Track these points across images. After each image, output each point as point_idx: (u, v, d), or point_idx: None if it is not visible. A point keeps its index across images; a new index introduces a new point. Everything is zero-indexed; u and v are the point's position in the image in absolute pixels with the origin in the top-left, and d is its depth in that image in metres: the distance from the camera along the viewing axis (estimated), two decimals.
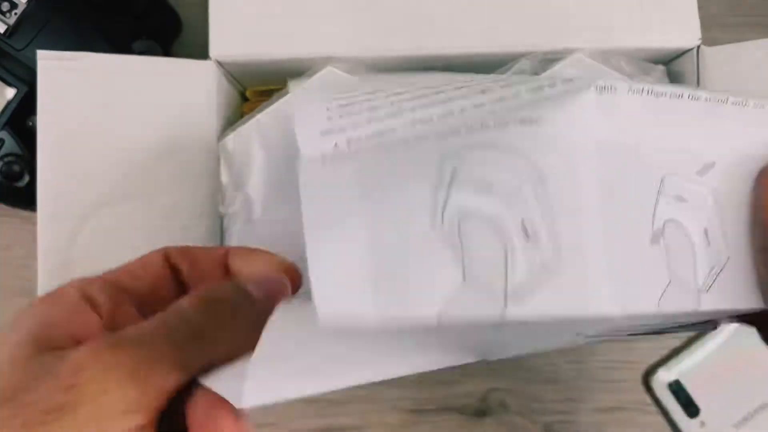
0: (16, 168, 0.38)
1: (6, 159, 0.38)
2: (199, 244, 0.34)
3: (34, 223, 0.31)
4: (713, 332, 0.43)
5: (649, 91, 0.19)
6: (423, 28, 0.34)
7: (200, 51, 0.34)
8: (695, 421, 0.43)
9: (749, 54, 0.34)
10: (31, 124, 0.38)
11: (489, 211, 0.18)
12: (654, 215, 0.19)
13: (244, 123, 0.34)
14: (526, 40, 0.34)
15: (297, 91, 0.21)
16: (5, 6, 0.35)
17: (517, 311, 0.17)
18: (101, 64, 0.32)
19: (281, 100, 0.34)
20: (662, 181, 0.20)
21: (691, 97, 0.20)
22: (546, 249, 0.18)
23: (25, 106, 0.38)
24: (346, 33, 0.34)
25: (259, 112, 0.34)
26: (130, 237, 0.32)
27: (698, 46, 0.34)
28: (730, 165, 0.20)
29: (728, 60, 0.34)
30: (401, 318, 0.17)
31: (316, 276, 0.17)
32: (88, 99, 0.32)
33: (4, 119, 0.38)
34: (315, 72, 0.34)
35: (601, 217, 0.19)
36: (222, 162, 0.35)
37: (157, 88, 0.33)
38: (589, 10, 0.34)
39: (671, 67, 0.36)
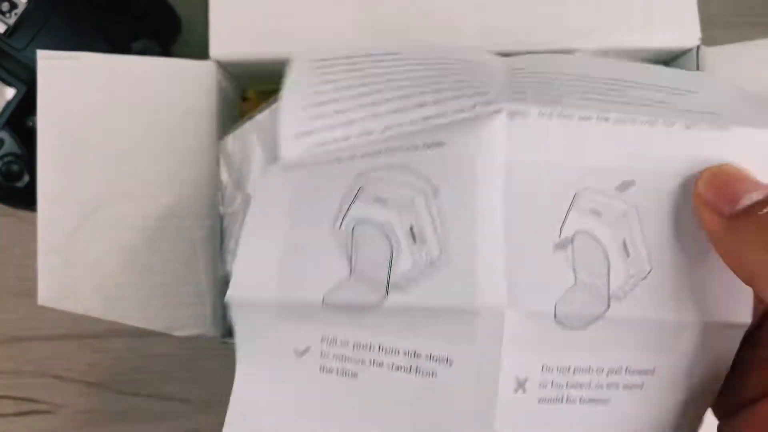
0: (15, 168, 0.38)
1: (5, 159, 0.38)
2: (198, 245, 0.34)
3: (34, 223, 0.31)
4: None
5: (560, 114, 0.21)
6: (423, 28, 0.34)
7: (200, 51, 0.34)
8: None
9: (749, 54, 0.34)
10: (30, 124, 0.38)
11: (380, 219, 0.21)
12: (563, 226, 0.21)
13: (244, 123, 0.34)
14: (526, 40, 0.34)
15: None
16: (5, 6, 0.35)
17: (397, 298, 0.20)
18: (101, 64, 0.32)
19: (281, 100, 0.34)
20: (575, 195, 0.21)
21: (599, 118, 0.21)
22: (433, 249, 0.21)
23: (25, 106, 0.38)
24: (347, 33, 0.34)
25: (259, 112, 0.34)
26: (129, 237, 0.32)
27: (698, 46, 0.34)
28: (652, 182, 0.21)
29: (728, 60, 0.34)
30: (292, 301, 0.21)
31: (237, 270, 0.22)
32: (88, 99, 0.32)
33: (3, 119, 0.38)
34: None
35: (502, 226, 0.21)
36: (222, 162, 0.35)
37: (156, 88, 0.33)
38: (589, 10, 0.34)
39: (671, 66, 0.36)
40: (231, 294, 0.21)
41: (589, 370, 0.21)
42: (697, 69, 0.34)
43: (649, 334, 0.21)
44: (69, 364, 0.45)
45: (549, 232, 0.21)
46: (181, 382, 0.45)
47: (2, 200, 0.39)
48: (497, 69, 0.23)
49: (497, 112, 0.21)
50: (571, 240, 0.21)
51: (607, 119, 0.21)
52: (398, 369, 0.21)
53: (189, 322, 0.34)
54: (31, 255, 0.35)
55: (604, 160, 0.21)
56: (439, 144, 0.21)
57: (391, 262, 0.21)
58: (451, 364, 0.21)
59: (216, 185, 0.35)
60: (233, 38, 0.34)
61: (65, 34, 0.36)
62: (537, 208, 0.21)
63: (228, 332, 0.36)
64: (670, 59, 0.36)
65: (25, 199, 0.38)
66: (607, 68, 0.23)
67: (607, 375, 0.22)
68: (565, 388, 0.21)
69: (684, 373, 0.22)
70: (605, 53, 0.34)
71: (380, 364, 0.21)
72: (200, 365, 0.46)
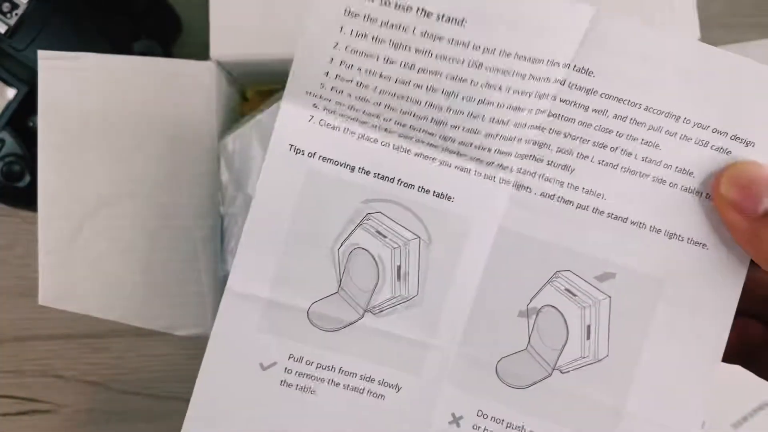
0: (16, 168, 0.38)
1: (7, 159, 0.38)
2: (199, 245, 0.35)
3: (35, 223, 0.31)
4: None
5: (560, 198, 0.23)
6: None
7: (201, 51, 0.35)
8: None
9: (749, 54, 0.34)
10: (31, 124, 0.38)
11: (376, 252, 0.24)
12: (534, 297, 0.24)
13: (244, 123, 0.34)
14: None
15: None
16: (6, 6, 0.35)
17: (371, 321, 0.24)
18: (102, 64, 0.32)
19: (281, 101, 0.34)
20: (556, 274, 0.24)
21: (595, 210, 0.23)
22: (412, 289, 0.24)
23: (26, 106, 0.38)
24: None
25: (259, 112, 0.34)
26: (130, 237, 0.32)
27: None
28: (632, 281, 0.23)
29: None
30: (282, 303, 0.24)
31: (237, 263, 0.23)
32: (89, 99, 0.32)
33: (4, 119, 0.38)
34: None
35: (476, 289, 0.24)
36: (222, 162, 0.35)
37: (157, 88, 0.33)
38: None
39: None
40: (229, 284, 0.23)
41: (521, 429, 0.24)
42: None
43: (587, 413, 0.24)
44: (70, 364, 0.46)
45: (518, 300, 0.24)
46: (181, 381, 0.46)
47: (3, 200, 0.39)
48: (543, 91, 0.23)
49: (506, 182, 0.23)
50: (537, 311, 0.24)
51: (602, 212, 0.23)
52: (353, 389, 0.24)
53: (190, 322, 0.34)
54: (32, 255, 0.35)
55: (592, 250, 0.24)
56: (448, 198, 0.24)
57: (374, 290, 0.24)
58: (398, 390, 0.24)
59: (216, 185, 0.35)
60: (233, 38, 0.34)
61: (66, 35, 0.36)
62: (513, 277, 0.24)
63: None
64: None
65: (26, 199, 0.38)
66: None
67: None
68: None
69: None
70: None
71: (337, 384, 0.24)
72: (201, 365, 0.46)
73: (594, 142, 0.23)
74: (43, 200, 0.31)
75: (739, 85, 0.22)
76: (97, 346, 0.46)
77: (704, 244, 0.23)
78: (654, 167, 0.23)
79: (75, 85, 0.32)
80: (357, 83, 0.23)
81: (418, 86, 0.22)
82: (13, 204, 0.40)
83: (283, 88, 0.36)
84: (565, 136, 0.23)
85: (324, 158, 0.23)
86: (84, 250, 0.31)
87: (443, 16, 0.21)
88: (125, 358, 0.46)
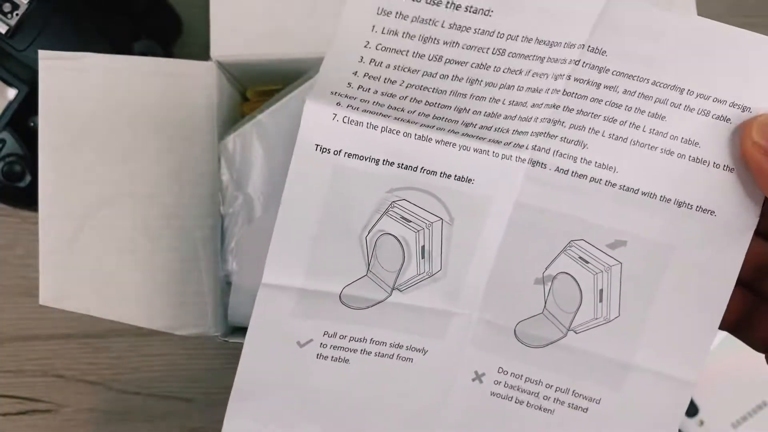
0: (17, 168, 0.38)
1: (7, 159, 0.38)
2: (199, 245, 0.35)
3: (35, 223, 0.31)
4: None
5: (574, 173, 0.24)
6: None
7: (201, 51, 0.35)
8: (694, 420, 0.43)
9: None
10: (32, 124, 0.39)
11: (401, 236, 0.25)
12: (549, 265, 0.25)
13: (244, 123, 0.34)
14: None
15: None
16: (7, 7, 0.35)
17: (398, 297, 0.26)
18: (102, 65, 0.32)
19: (281, 101, 0.34)
20: (569, 243, 0.25)
21: (607, 183, 0.24)
22: (436, 266, 0.26)
23: (27, 106, 0.38)
24: None
25: (259, 112, 0.34)
26: (130, 237, 0.33)
27: None
28: (642, 248, 0.25)
29: None
30: (315, 290, 0.25)
31: (271, 254, 0.25)
32: (89, 99, 0.32)
33: (5, 120, 0.38)
34: (315, 72, 0.34)
35: (494, 260, 0.26)
36: (222, 162, 0.35)
37: (157, 88, 0.33)
38: None
39: None
40: (264, 279, 0.25)
41: (539, 382, 0.26)
42: None
43: (598, 368, 0.26)
44: (70, 364, 0.46)
45: (534, 269, 0.26)
46: (182, 381, 0.46)
47: (4, 200, 0.39)
48: (556, 72, 0.24)
49: (522, 160, 0.25)
50: (553, 278, 0.25)
51: (614, 185, 0.24)
52: (383, 356, 0.26)
53: (190, 322, 0.34)
54: (32, 255, 0.35)
55: (604, 220, 0.25)
56: (469, 180, 0.25)
57: (400, 270, 0.26)
58: (425, 354, 0.26)
59: (216, 185, 0.35)
60: (234, 39, 0.34)
61: (66, 35, 0.36)
62: (529, 248, 0.25)
63: (229, 331, 0.36)
64: None
65: (27, 199, 0.38)
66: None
67: (555, 391, 0.26)
68: (516, 390, 0.26)
69: (629, 415, 0.26)
70: None
71: (369, 353, 0.26)
72: (201, 364, 0.46)
73: (605, 117, 0.24)
74: (43, 200, 0.31)
75: (737, 54, 0.23)
76: (97, 345, 0.46)
77: (712, 211, 0.24)
78: (662, 139, 0.24)
79: (75, 85, 0.32)
80: (385, 80, 0.23)
81: (444, 76, 0.23)
82: (13, 204, 0.40)
83: (283, 88, 0.36)
84: (578, 112, 0.24)
85: (349, 155, 0.24)
86: (84, 249, 0.32)
87: (471, 8, 0.22)
88: (125, 358, 0.46)
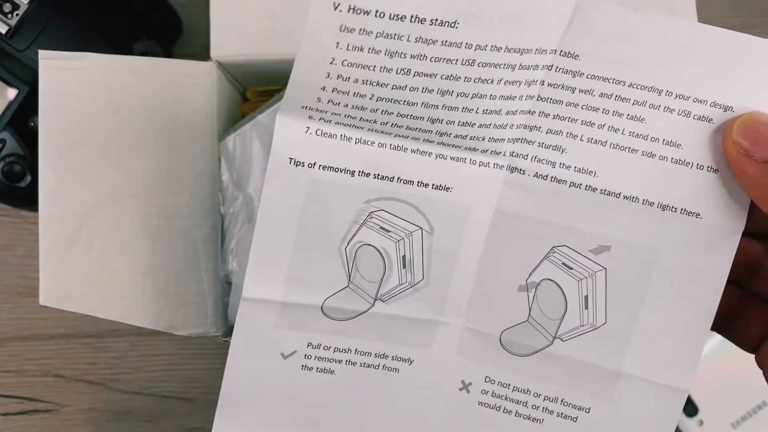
0: (17, 168, 0.38)
1: (8, 159, 0.38)
2: (199, 245, 0.35)
3: (36, 223, 0.31)
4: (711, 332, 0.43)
5: (553, 178, 0.24)
6: None
7: (201, 51, 0.35)
8: (693, 420, 0.43)
9: None
10: (32, 124, 0.39)
11: (381, 246, 0.25)
12: (532, 272, 0.25)
13: (244, 123, 0.34)
14: None
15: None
16: (7, 7, 0.35)
17: (381, 308, 0.25)
18: (102, 65, 0.32)
19: (281, 101, 0.34)
20: (552, 249, 0.25)
21: (588, 187, 0.24)
22: (418, 275, 0.25)
23: (27, 106, 0.38)
24: None
25: (259, 112, 0.34)
26: (130, 237, 0.33)
27: None
28: (627, 252, 0.24)
29: None
30: (296, 303, 0.25)
31: (250, 269, 0.25)
32: (89, 99, 0.32)
33: (5, 120, 0.38)
34: None
35: (477, 267, 0.25)
36: (222, 162, 0.35)
37: (157, 88, 0.33)
38: None
39: None
40: (244, 294, 0.25)
41: (527, 391, 0.26)
42: None
43: (586, 376, 0.25)
44: (71, 363, 0.46)
45: (517, 276, 0.25)
46: (182, 380, 0.46)
47: (4, 200, 0.39)
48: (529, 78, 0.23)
49: (500, 167, 0.24)
50: (537, 285, 0.25)
51: (594, 189, 0.24)
52: (369, 366, 0.26)
53: (190, 322, 0.34)
54: (33, 255, 0.35)
55: (586, 225, 0.24)
56: (447, 189, 0.24)
57: (382, 279, 0.25)
58: (410, 363, 0.26)
59: (216, 185, 0.35)
60: (233, 39, 0.34)
61: (67, 35, 0.36)
62: (511, 255, 0.25)
63: (229, 331, 0.36)
64: None
65: (27, 199, 0.38)
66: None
67: (544, 400, 0.26)
68: (504, 399, 0.26)
69: (620, 424, 0.25)
70: None
71: (354, 363, 0.26)
72: (201, 364, 0.46)
73: (582, 121, 0.23)
74: (43, 200, 0.31)
75: (715, 54, 0.22)
76: (97, 345, 0.46)
77: (698, 214, 0.24)
78: (642, 141, 0.23)
79: (76, 86, 0.32)
80: (354, 94, 0.23)
81: (413, 89, 0.23)
82: (13, 204, 0.40)
83: (283, 88, 0.36)
84: (555, 117, 0.24)
85: (324, 167, 0.24)
86: (84, 250, 0.32)
87: (436, 21, 0.22)
88: (125, 358, 0.46)
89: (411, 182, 0.24)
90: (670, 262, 0.24)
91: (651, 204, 0.24)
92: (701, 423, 0.43)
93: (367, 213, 0.25)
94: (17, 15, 0.35)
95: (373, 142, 0.24)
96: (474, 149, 0.24)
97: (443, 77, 0.23)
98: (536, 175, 0.24)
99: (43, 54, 0.31)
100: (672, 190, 0.24)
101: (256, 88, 0.39)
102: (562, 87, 0.23)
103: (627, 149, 0.24)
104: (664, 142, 0.23)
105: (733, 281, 0.25)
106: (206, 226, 0.35)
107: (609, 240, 0.24)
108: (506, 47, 0.22)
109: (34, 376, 0.46)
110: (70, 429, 0.46)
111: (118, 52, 0.35)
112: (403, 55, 0.22)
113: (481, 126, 0.24)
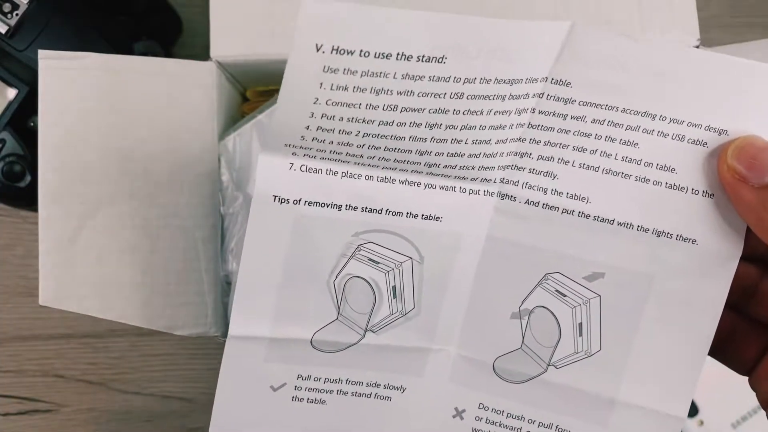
0: (17, 168, 0.38)
1: (7, 159, 0.38)
2: (199, 245, 0.35)
3: (35, 223, 0.31)
4: None
5: (545, 204, 0.24)
6: None
7: (201, 51, 0.35)
8: (693, 420, 0.43)
9: (749, 54, 0.34)
10: (32, 124, 0.39)
11: (370, 277, 0.25)
12: (525, 299, 0.24)
13: (244, 123, 0.34)
14: None
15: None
16: (6, 7, 0.35)
17: (372, 339, 0.25)
18: (102, 64, 0.32)
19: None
20: (545, 276, 0.24)
21: (581, 214, 0.23)
22: (408, 305, 0.25)
23: (27, 106, 0.38)
24: None
25: (259, 112, 0.34)
26: (130, 237, 0.33)
27: (697, 47, 0.34)
28: (621, 279, 0.24)
29: None
30: (285, 338, 0.25)
31: (236, 307, 0.24)
32: (89, 99, 0.32)
33: (5, 120, 0.38)
34: None
35: (469, 295, 0.25)
36: (222, 162, 0.35)
37: (157, 88, 0.33)
38: (588, 10, 0.34)
39: None
40: (231, 332, 0.25)
41: (521, 418, 0.25)
42: None
43: (582, 403, 0.25)
44: (70, 363, 0.46)
45: (510, 303, 0.25)
46: (182, 381, 0.46)
47: (4, 200, 0.39)
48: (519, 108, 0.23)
49: (491, 194, 0.24)
50: (530, 312, 0.25)
51: (587, 216, 0.24)
52: (360, 395, 0.26)
53: (190, 322, 0.34)
54: (32, 255, 0.35)
55: (580, 252, 0.24)
56: (437, 218, 0.24)
57: (372, 311, 0.25)
58: (403, 391, 0.26)
59: (216, 185, 0.35)
60: (233, 39, 0.34)
61: (66, 35, 0.36)
62: (504, 282, 0.25)
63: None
64: None
65: (27, 199, 0.38)
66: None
67: (538, 426, 0.25)
68: (498, 426, 0.25)
69: None
70: None
71: (345, 393, 0.26)
72: (201, 364, 0.46)
73: (574, 147, 0.23)
74: (43, 200, 0.31)
75: (708, 77, 0.22)
76: (97, 345, 0.46)
77: (694, 240, 0.23)
78: (635, 167, 0.23)
79: (75, 86, 0.32)
80: (339, 131, 0.23)
81: (401, 124, 0.23)
82: (13, 204, 0.40)
83: None
84: (546, 144, 0.23)
85: (310, 203, 0.24)
86: (84, 250, 0.32)
87: (423, 57, 0.21)
88: (125, 358, 0.46)
89: (400, 213, 0.24)
90: (665, 289, 0.24)
91: (646, 230, 0.23)
92: (701, 423, 0.43)
93: (355, 246, 0.24)
94: (17, 15, 0.35)
95: (359, 175, 0.23)
96: (464, 178, 0.24)
97: (431, 111, 0.22)
98: (528, 201, 0.24)
99: (42, 54, 0.31)
100: (667, 216, 0.23)
101: (256, 88, 0.39)
102: (554, 114, 0.23)
103: (620, 174, 0.23)
104: (658, 166, 0.23)
105: (728, 304, 0.24)
106: (206, 226, 0.35)
107: (603, 267, 0.24)
108: (495, 79, 0.22)
109: (33, 376, 0.46)
110: (69, 429, 0.46)
111: (118, 52, 0.35)
112: (389, 92, 0.22)
113: (471, 156, 0.23)
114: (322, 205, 0.24)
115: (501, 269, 0.25)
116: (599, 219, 0.24)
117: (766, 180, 0.21)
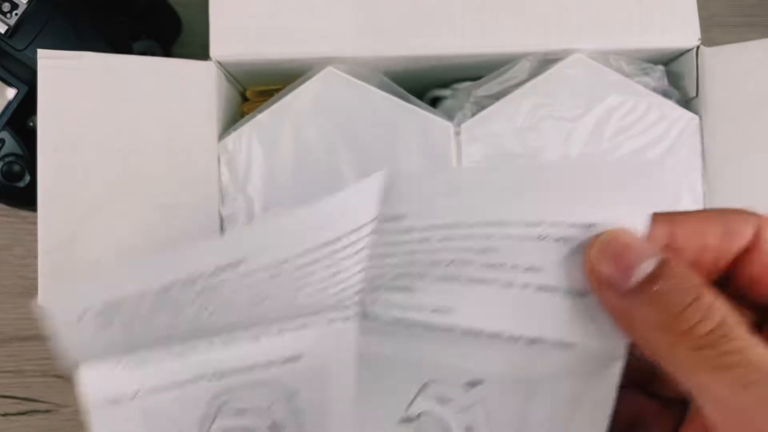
0: (16, 168, 0.38)
1: (6, 159, 0.38)
2: None
3: (35, 223, 0.31)
4: None
5: (407, 321, 0.22)
6: (423, 28, 0.34)
7: (201, 51, 0.35)
8: None
9: (749, 54, 0.34)
10: (31, 124, 0.38)
11: (241, 426, 0.23)
12: (409, 407, 0.23)
13: (244, 123, 0.34)
14: (526, 40, 0.34)
15: None
16: (6, 6, 0.35)
17: None
18: (101, 64, 0.32)
19: (281, 101, 0.34)
20: (425, 384, 0.23)
21: (446, 328, 0.22)
22: None
23: (26, 106, 0.38)
24: (347, 33, 0.34)
25: (259, 112, 0.34)
26: (130, 237, 0.32)
27: (698, 47, 0.34)
28: (502, 385, 0.22)
29: (728, 60, 0.34)
30: None
31: None
32: (89, 99, 0.32)
33: (4, 119, 0.38)
34: (315, 72, 0.34)
35: (354, 409, 0.24)
36: (222, 162, 0.35)
37: (157, 88, 0.33)
38: (589, 10, 0.34)
39: (671, 67, 0.36)
40: None
41: None
42: (697, 69, 0.34)
43: None
44: None
45: (397, 409, 0.23)
46: None
47: (3, 200, 0.39)
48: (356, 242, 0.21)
49: (349, 319, 0.23)
50: (418, 416, 0.23)
51: (452, 329, 0.22)
52: None
53: None
54: (32, 255, 0.35)
55: (454, 361, 0.22)
56: (296, 359, 0.23)
57: None
58: None
59: (216, 185, 0.35)
60: (233, 39, 0.34)
61: (66, 35, 0.36)
62: (386, 392, 0.23)
63: None
64: (669, 59, 0.36)
65: (26, 199, 0.38)
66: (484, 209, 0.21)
67: None
68: None
69: None
70: (605, 53, 0.34)
71: None
72: None
73: (427, 262, 0.21)
74: (43, 200, 0.31)
75: (564, 181, 0.20)
76: None
77: (571, 344, 0.21)
78: (498, 272, 0.21)
79: (75, 85, 0.32)
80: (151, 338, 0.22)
81: (215, 323, 0.21)
82: (13, 204, 0.40)
83: (283, 88, 0.36)
84: (394, 266, 0.22)
85: (150, 390, 0.22)
86: (84, 250, 0.31)
87: (223, 268, 0.20)
88: None
89: (253, 367, 0.23)
90: (549, 392, 0.22)
91: (517, 340, 0.21)
92: None
93: (215, 407, 0.23)
94: (16, 14, 0.35)
95: (196, 347, 0.22)
96: (316, 313, 0.22)
97: (251, 304, 0.21)
98: (389, 321, 0.22)
99: (41, 53, 0.31)
100: (539, 321, 0.21)
101: (256, 88, 0.39)
102: (394, 244, 0.21)
103: (482, 281, 0.21)
104: (524, 269, 0.21)
105: (633, 386, 0.22)
106: (205, 226, 0.35)
107: (480, 374, 0.22)
108: (323, 243, 0.20)
109: (33, 376, 0.46)
110: (69, 429, 0.45)
111: (117, 51, 0.35)
112: (186, 321, 0.21)
113: (317, 298, 0.22)
114: (165, 388, 0.22)
115: (380, 382, 0.23)
116: (466, 332, 0.22)
117: (630, 284, 0.18)
